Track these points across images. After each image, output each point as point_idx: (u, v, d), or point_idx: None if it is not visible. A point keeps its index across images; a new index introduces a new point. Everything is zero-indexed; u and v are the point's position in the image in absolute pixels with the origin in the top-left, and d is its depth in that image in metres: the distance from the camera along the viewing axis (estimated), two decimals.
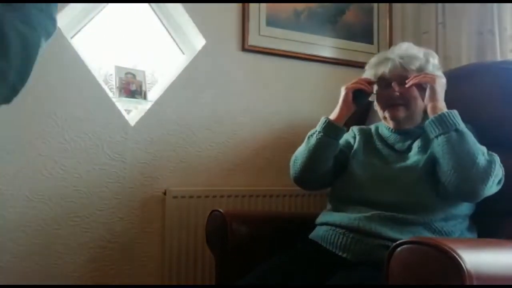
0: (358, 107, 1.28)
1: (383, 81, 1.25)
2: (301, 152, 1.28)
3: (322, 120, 1.26)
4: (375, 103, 1.32)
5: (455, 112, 1.10)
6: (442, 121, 1.08)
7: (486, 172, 1.03)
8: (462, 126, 1.08)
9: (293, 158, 1.32)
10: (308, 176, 1.27)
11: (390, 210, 1.09)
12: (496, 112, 1.28)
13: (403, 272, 0.76)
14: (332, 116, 1.26)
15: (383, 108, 1.26)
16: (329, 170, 1.26)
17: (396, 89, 1.21)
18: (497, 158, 1.07)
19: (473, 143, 1.06)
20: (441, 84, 1.16)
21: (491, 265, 0.77)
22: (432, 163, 1.11)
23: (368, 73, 1.31)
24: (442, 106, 1.13)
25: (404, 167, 1.15)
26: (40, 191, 1.53)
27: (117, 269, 1.63)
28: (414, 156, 1.18)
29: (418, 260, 0.74)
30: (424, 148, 1.17)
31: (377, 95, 1.28)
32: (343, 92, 1.26)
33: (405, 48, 1.26)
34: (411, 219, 1.06)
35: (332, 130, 1.23)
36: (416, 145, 1.20)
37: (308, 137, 1.28)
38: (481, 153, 1.05)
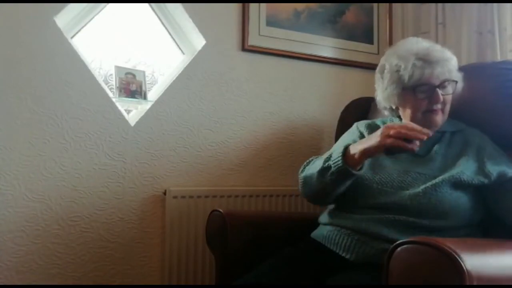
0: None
1: (425, 86, 1.16)
2: (312, 180, 1.18)
3: (339, 161, 1.09)
4: (403, 109, 1.23)
5: None
6: None
7: None
8: None
9: (303, 176, 1.24)
10: (321, 202, 1.28)
11: (401, 214, 1.06)
12: (495, 112, 1.28)
13: (403, 272, 0.76)
14: (354, 150, 1.08)
15: (422, 112, 1.18)
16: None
17: (440, 96, 1.15)
18: None
19: None
20: None
21: (491, 265, 0.77)
22: (459, 175, 1.08)
23: (397, 78, 1.19)
24: None
25: (422, 172, 1.12)
26: (40, 191, 1.53)
27: (117, 269, 1.63)
28: (434, 161, 1.15)
29: (418, 260, 0.74)
30: (445, 154, 1.16)
31: (413, 102, 1.18)
32: (378, 138, 1.03)
33: (439, 49, 1.19)
34: (423, 225, 1.04)
35: (348, 175, 1.09)
36: (435, 149, 1.17)
37: (322, 170, 1.13)
38: None
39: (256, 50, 1.87)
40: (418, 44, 1.20)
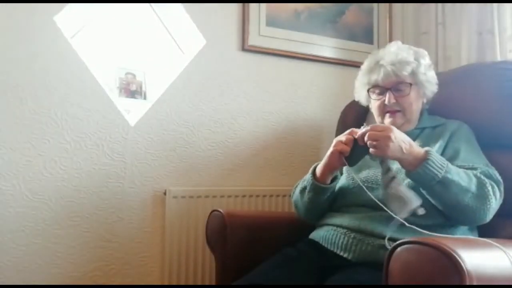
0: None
1: (377, 88, 1.24)
2: (299, 203, 1.28)
3: (310, 179, 1.19)
4: (371, 110, 1.31)
5: (430, 161, 0.99)
6: (420, 180, 1.01)
7: (481, 209, 1.02)
8: (442, 173, 0.99)
9: (293, 202, 1.32)
10: (313, 221, 1.28)
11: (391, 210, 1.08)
12: (495, 112, 1.28)
13: (403, 272, 0.76)
14: (319, 170, 1.18)
15: (380, 115, 1.26)
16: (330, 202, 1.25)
17: (392, 98, 1.20)
18: (488, 184, 1.03)
19: (458, 188, 1.00)
20: (395, 139, 1.00)
21: (491, 265, 0.77)
22: None
23: (362, 80, 1.31)
24: (412, 157, 1.01)
25: (401, 168, 1.12)
26: (40, 191, 1.53)
27: (117, 269, 1.63)
28: None
29: (418, 260, 0.74)
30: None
31: (373, 102, 1.27)
32: (331, 148, 1.11)
33: (394, 51, 1.24)
34: (413, 220, 1.06)
35: (320, 190, 1.18)
36: (395, 165, 1.16)
37: (301, 191, 1.25)
38: (470, 192, 1.01)
39: (256, 50, 1.87)
40: (390, 48, 1.26)
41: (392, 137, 0.99)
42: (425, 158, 1.00)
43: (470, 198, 1.01)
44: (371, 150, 1.03)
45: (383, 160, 1.04)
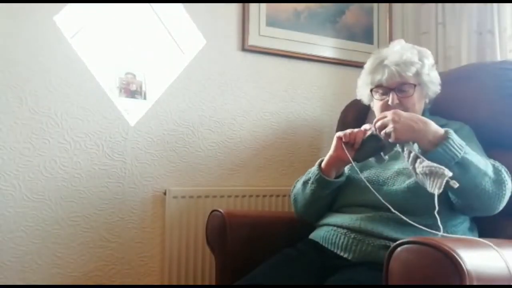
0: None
1: (381, 88, 1.24)
2: (299, 196, 1.28)
3: (315, 170, 1.20)
4: (373, 109, 1.31)
5: (451, 140, 0.97)
6: (439, 160, 0.96)
7: (496, 195, 1.01)
8: (461, 154, 0.97)
9: (292, 196, 1.33)
10: (311, 218, 1.28)
11: (391, 211, 1.08)
12: (495, 112, 1.28)
13: (403, 272, 0.76)
14: (324, 162, 1.19)
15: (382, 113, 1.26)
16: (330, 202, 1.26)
17: (395, 99, 1.19)
18: (503, 171, 1.03)
19: (476, 171, 0.98)
20: (400, 119, 1.00)
21: (491, 265, 0.77)
22: None
23: (365, 79, 1.30)
24: (431, 135, 0.99)
25: (402, 169, 1.14)
26: (40, 191, 1.53)
27: (117, 269, 1.63)
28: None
29: (418, 260, 0.74)
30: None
31: (376, 102, 1.27)
32: (332, 148, 1.16)
33: (398, 50, 1.23)
34: (413, 220, 1.05)
35: (324, 183, 1.18)
36: (416, 146, 1.19)
37: (304, 183, 1.24)
38: (487, 176, 1.00)
39: (256, 50, 1.87)
40: (394, 47, 1.26)
41: (396, 118, 1.00)
42: (445, 137, 0.98)
43: (488, 182, 1.00)
44: (385, 138, 1.02)
45: (403, 147, 1.02)
